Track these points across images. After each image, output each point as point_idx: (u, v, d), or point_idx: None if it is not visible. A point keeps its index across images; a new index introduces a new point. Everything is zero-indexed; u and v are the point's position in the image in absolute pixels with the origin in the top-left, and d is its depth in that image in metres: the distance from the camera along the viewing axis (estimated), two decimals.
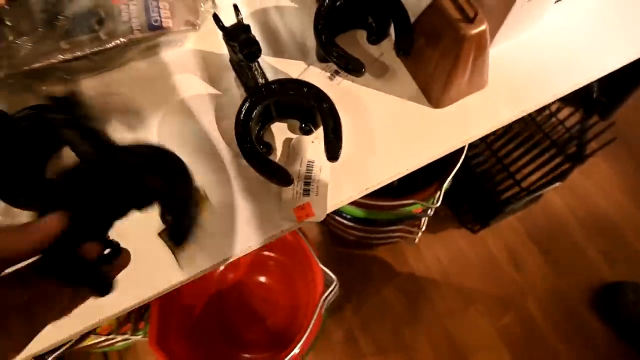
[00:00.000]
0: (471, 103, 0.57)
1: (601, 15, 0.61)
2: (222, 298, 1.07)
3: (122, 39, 0.56)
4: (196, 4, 0.59)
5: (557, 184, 1.12)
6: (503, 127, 1.30)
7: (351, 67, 0.52)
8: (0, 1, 0.56)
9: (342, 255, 1.31)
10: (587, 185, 1.39)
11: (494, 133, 1.30)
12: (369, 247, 1.29)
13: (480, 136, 0.57)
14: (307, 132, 0.55)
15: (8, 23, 0.57)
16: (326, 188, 0.52)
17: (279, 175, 0.49)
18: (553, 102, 1.27)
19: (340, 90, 0.57)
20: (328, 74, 0.58)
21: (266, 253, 1.09)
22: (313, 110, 0.52)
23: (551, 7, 0.56)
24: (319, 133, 0.54)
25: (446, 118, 0.57)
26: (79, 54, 0.55)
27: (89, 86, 0.59)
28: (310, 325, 0.76)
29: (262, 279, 1.09)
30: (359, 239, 1.09)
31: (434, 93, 0.56)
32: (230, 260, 0.51)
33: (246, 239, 0.51)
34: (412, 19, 0.54)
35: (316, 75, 0.58)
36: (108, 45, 0.56)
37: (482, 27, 0.48)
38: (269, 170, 0.49)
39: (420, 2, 0.57)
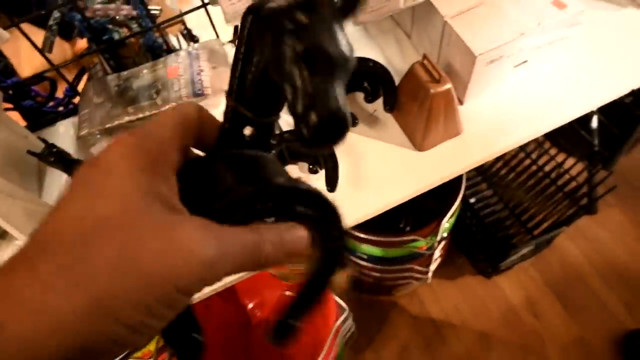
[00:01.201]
0: (449, 147, 0.69)
1: (557, 75, 0.73)
2: (249, 335, 1.17)
3: (173, 104, 0.73)
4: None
5: (563, 228, 1.19)
6: (512, 175, 1.39)
7: None
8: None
9: (361, 300, 1.38)
10: (600, 233, 1.43)
11: (502, 181, 1.39)
12: (387, 292, 1.36)
13: (457, 174, 0.68)
14: (314, 172, 0.68)
15: (91, 95, 0.76)
16: None
17: None
18: (558, 153, 1.37)
19: None
20: None
21: (289, 293, 1.19)
22: (317, 154, 0.65)
23: (511, 70, 0.69)
24: (323, 173, 0.68)
25: (428, 159, 0.69)
26: (141, 115, 0.73)
27: None
28: (325, 349, 0.84)
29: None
30: (374, 280, 1.18)
31: (417, 139, 0.69)
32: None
33: None
34: (398, 81, 0.69)
35: None
36: (162, 109, 0.73)
37: (447, 86, 0.61)
38: None
39: (404, 68, 0.71)
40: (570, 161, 1.30)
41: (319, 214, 0.25)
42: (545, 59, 0.71)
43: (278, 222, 0.24)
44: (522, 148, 1.35)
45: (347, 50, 0.19)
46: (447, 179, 0.68)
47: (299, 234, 0.24)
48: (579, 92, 0.71)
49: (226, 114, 0.25)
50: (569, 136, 1.32)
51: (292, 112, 0.20)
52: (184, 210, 0.21)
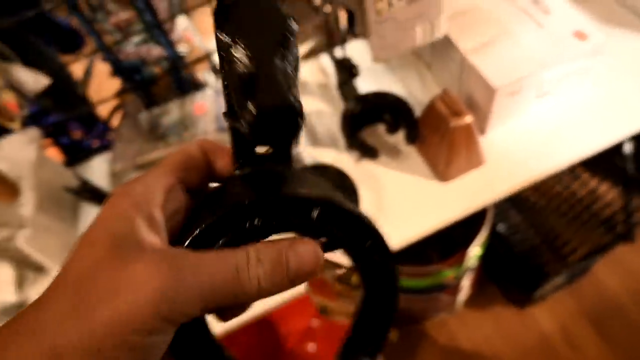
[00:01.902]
0: (472, 178, 0.69)
1: (582, 105, 0.72)
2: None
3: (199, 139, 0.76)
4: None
5: (599, 257, 1.14)
6: (543, 201, 1.36)
7: (368, 154, 0.68)
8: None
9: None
10: (639, 261, 1.37)
11: (533, 207, 1.36)
12: (415, 322, 1.34)
13: (482, 206, 0.68)
14: None
15: (124, 131, 0.80)
16: None
17: None
18: (592, 178, 1.33)
19: (364, 170, 0.72)
20: (354, 159, 0.74)
21: (314, 325, 1.19)
22: (337, 187, 0.66)
23: (533, 101, 0.69)
24: None
25: (452, 190, 0.69)
26: (169, 151, 0.76)
27: None
28: None
29: (312, 347, 1.17)
30: (402, 311, 1.16)
31: (439, 170, 0.69)
32: None
33: None
34: (419, 114, 0.70)
35: (345, 160, 0.74)
36: None
37: (467, 120, 0.62)
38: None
39: (425, 99, 0.72)
40: (605, 186, 1.26)
41: (355, 236, 0.21)
42: (568, 89, 0.70)
43: (285, 239, 0.20)
44: None
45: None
46: (472, 211, 0.68)
47: (305, 249, 0.20)
48: (604, 122, 0.70)
49: (230, 136, 0.23)
50: (601, 161, 1.28)
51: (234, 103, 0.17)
52: (152, 245, 0.19)
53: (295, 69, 0.18)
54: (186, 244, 0.20)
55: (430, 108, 0.65)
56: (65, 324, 0.17)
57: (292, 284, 0.20)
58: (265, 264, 0.19)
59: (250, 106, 0.16)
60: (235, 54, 0.17)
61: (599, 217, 1.26)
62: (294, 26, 0.18)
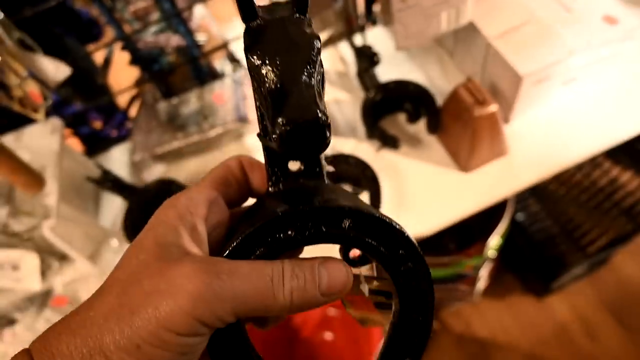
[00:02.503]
0: (495, 168, 0.68)
1: (609, 93, 0.70)
2: (293, 352, 1.17)
3: (220, 129, 0.75)
4: None
5: (620, 247, 1.12)
6: (563, 190, 1.34)
7: (389, 143, 0.67)
8: None
9: None
10: None
11: (552, 196, 1.34)
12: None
13: (505, 197, 0.67)
14: (355, 194, 0.68)
15: (143, 121, 0.80)
16: None
17: None
18: (613, 167, 1.30)
19: (385, 160, 0.71)
20: (374, 148, 0.73)
21: (331, 314, 1.19)
22: (359, 177, 0.66)
23: (559, 88, 0.67)
24: (365, 195, 0.68)
25: (474, 180, 0.67)
26: (189, 141, 0.76)
27: (193, 165, 0.79)
28: None
29: (329, 336, 1.18)
30: None
31: (461, 160, 0.68)
32: None
33: None
34: (441, 102, 0.68)
35: (365, 149, 0.73)
36: (209, 135, 0.75)
37: (492, 108, 0.60)
38: None
39: (447, 88, 0.71)
40: (626, 176, 1.24)
41: (387, 245, 0.21)
42: (595, 76, 0.68)
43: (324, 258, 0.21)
44: None
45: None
46: (494, 202, 0.67)
47: (335, 266, 0.21)
48: (632, 109, 0.68)
49: (264, 156, 0.24)
50: (623, 149, 1.25)
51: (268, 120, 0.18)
52: (193, 253, 0.20)
53: (322, 85, 0.19)
54: (225, 254, 0.21)
55: (454, 96, 0.64)
56: (110, 321, 0.18)
57: (323, 300, 0.21)
58: (299, 278, 0.20)
59: (280, 121, 0.17)
60: (264, 74, 0.18)
61: (619, 206, 1.24)
62: (318, 45, 0.18)
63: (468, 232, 1.13)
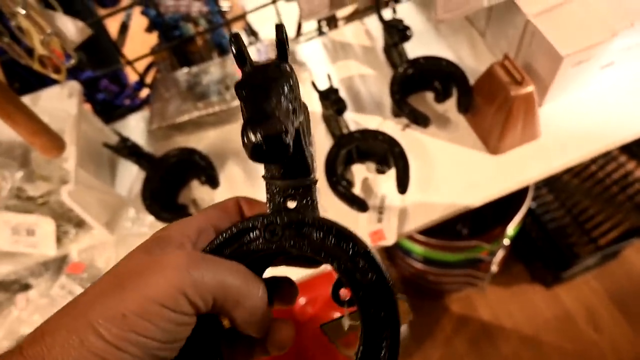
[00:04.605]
0: (525, 151, 0.66)
1: None
2: (300, 330, 1.17)
3: None
4: (298, 73, 0.76)
5: (633, 240, 1.12)
6: (576, 182, 1.32)
7: (419, 120, 0.65)
8: None
9: (413, 303, 1.36)
10: None
11: (565, 187, 1.33)
12: (440, 296, 1.33)
13: (535, 180, 0.65)
14: (381, 172, 0.67)
15: (162, 90, 0.78)
16: (396, 218, 0.63)
17: (358, 203, 0.61)
18: (630, 161, 1.29)
19: (411, 139, 0.69)
20: (400, 126, 0.71)
21: (341, 293, 1.19)
22: (386, 154, 0.64)
23: (598, 72, 0.65)
24: (391, 174, 0.66)
25: (503, 163, 0.66)
26: (210, 111, 0.74)
27: (213, 135, 0.77)
28: None
29: (337, 315, 1.18)
30: (427, 284, 1.16)
31: (491, 142, 0.66)
32: None
33: None
34: (471, 82, 0.66)
35: (390, 127, 0.71)
36: (232, 105, 0.73)
37: (529, 89, 0.58)
38: (349, 199, 0.61)
39: (478, 68, 0.69)
40: None
41: (348, 259, 0.24)
42: (634, 60, 0.66)
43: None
44: None
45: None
46: (522, 186, 0.65)
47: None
48: None
49: (266, 192, 0.26)
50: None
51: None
52: (190, 248, 0.23)
53: (294, 110, 0.22)
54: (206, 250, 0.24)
55: (488, 74, 0.62)
56: (100, 297, 0.20)
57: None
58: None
59: (247, 131, 0.20)
60: (243, 100, 0.21)
61: (633, 200, 1.23)
62: (291, 79, 0.22)
63: (481, 219, 1.12)
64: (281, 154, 0.20)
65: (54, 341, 0.19)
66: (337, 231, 0.24)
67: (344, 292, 0.26)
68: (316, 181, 0.25)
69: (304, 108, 0.24)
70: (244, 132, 0.20)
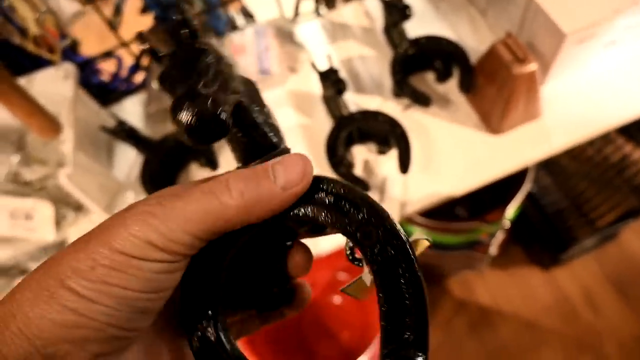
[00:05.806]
0: (526, 131, 0.66)
1: None
2: (299, 316, 1.17)
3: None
4: (297, 54, 0.75)
5: (629, 222, 1.12)
6: (574, 164, 1.33)
7: (420, 100, 0.64)
8: None
9: None
10: None
11: (563, 170, 1.33)
12: (439, 280, 1.34)
13: (537, 160, 0.65)
14: (382, 152, 0.66)
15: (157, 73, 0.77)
16: (397, 198, 0.63)
17: (359, 184, 0.60)
18: (628, 143, 1.29)
19: (411, 119, 0.69)
20: (401, 107, 0.70)
21: (341, 278, 1.19)
22: (387, 134, 0.63)
23: (601, 51, 0.64)
24: (392, 154, 0.66)
25: (504, 143, 0.66)
26: None
27: None
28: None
29: (337, 300, 1.18)
30: (428, 267, 1.16)
31: (492, 122, 0.66)
32: None
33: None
34: (473, 61, 0.66)
35: (391, 108, 0.70)
36: None
37: (532, 67, 0.58)
38: (351, 180, 0.60)
39: (479, 47, 0.68)
40: (639, 152, 1.23)
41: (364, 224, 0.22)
42: (637, 39, 0.65)
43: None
44: None
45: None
46: (523, 166, 0.65)
47: (290, 158, 0.22)
48: None
49: None
50: (638, 125, 1.24)
51: None
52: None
53: (217, 75, 0.21)
54: None
55: (491, 53, 0.61)
56: (67, 256, 0.19)
57: (285, 195, 0.21)
58: (249, 179, 0.21)
59: (181, 114, 0.19)
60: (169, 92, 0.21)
61: (630, 183, 1.23)
62: (211, 59, 0.21)
63: (479, 202, 1.12)
64: (219, 131, 0.19)
65: (23, 297, 0.18)
66: (348, 186, 0.23)
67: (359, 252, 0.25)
68: (289, 150, 0.24)
69: (245, 82, 0.24)
70: (174, 115, 0.19)
